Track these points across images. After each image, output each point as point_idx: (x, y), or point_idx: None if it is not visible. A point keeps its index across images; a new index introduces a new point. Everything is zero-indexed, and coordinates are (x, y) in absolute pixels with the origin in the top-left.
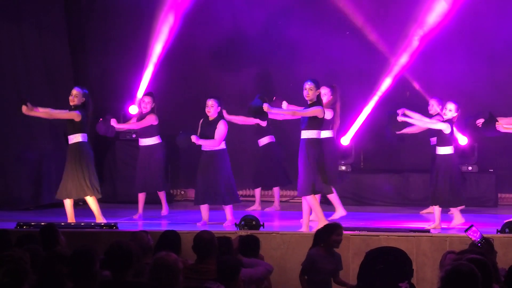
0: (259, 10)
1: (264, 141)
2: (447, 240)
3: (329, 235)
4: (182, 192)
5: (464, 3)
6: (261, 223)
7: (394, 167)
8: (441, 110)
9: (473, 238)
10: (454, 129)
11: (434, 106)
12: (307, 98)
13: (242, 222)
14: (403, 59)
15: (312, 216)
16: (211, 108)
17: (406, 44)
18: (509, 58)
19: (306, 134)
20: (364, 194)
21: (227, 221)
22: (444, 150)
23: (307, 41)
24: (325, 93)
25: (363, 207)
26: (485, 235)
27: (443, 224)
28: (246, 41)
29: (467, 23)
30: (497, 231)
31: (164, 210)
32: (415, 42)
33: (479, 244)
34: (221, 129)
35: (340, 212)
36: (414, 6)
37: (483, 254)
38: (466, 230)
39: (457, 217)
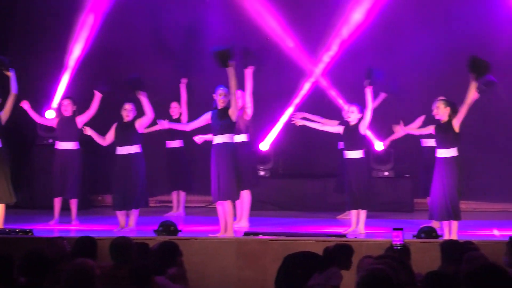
0: (180, 13)
1: (173, 144)
2: (363, 245)
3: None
4: (100, 198)
5: (382, 9)
6: (179, 229)
7: (312, 172)
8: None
9: (394, 241)
10: (370, 133)
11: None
12: (222, 104)
13: (161, 228)
14: (322, 64)
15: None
16: (130, 112)
17: (324, 50)
18: (431, 60)
19: (220, 138)
20: (283, 199)
21: (130, 228)
22: (354, 154)
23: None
24: (240, 96)
25: (282, 212)
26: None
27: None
28: (166, 44)
29: (384, 29)
30: (413, 236)
31: (74, 218)
32: (333, 48)
33: (395, 248)
34: (143, 121)
35: (244, 223)
36: (334, 13)
37: (399, 258)
38: (394, 229)
39: (361, 223)
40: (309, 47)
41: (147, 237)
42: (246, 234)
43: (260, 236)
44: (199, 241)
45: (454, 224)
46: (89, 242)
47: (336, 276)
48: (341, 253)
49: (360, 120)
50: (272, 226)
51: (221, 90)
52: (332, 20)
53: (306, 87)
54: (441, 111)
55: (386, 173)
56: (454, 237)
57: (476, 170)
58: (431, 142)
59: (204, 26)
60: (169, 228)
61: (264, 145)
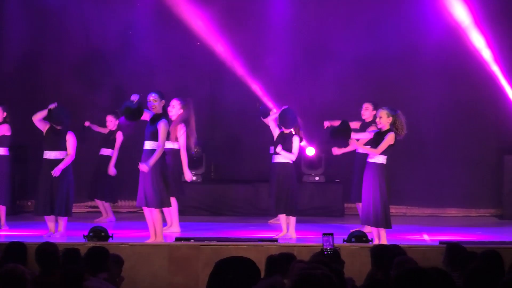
0: (113, 24)
1: (105, 152)
2: (294, 250)
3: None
4: (29, 203)
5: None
6: (110, 234)
7: (244, 177)
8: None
9: (325, 246)
10: (297, 139)
11: None
12: (153, 111)
13: (91, 234)
14: (253, 70)
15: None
16: None
17: (255, 56)
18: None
19: (150, 145)
20: (215, 204)
21: (60, 233)
22: (282, 158)
23: (161, 54)
24: (174, 105)
25: (214, 217)
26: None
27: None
28: (100, 56)
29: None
30: (344, 241)
31: (3, 224)
32: (264, 54)
33: (325, 253)
34: (71, 141)
35: (175, 228)
36: (263, 19)
37: (328, 263)
38: (324, 234)
39: (292, 228)
40: (242, 53)
41: (77, 242)
42: (178, 239)
43: (192, 241)
44: (130, 247)
45: (383, 230)
46: (19, 247)
47: (279, 284)
48: (285, 261)
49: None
50: (203, 231)
51: (151, 97)
52: (262, 28)
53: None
54: (383, 120)
55: (317, 178)
56: (383, 242)
57: (405, 176)
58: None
59: (136, 32)
60: (99, 233)
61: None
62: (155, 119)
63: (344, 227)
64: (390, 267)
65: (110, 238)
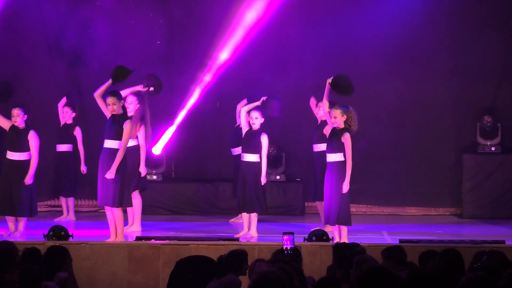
0: (70, 20)
1: (62, 148)
2: (255, 248)
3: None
4: None
5: (273, 13)
6: (70, 234)
7: (204, 176)
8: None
9: (285, 245)
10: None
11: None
12: (113, 112)
13: (51, 233)
14: (213, 69)
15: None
16: (17, 117)
17: (215, 54)
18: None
19: (112, 143)
20: (175, 203)
21: (20, 232)
22: (252, 158)
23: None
24: (132, 101)
25: (174, 216)
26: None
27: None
28: (56, 45)
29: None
30: (304, 239)
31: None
32: (225, 52)
33: (285, 252)
34: (34, 141)
35: (136, 227)
36: (224, 19)
37: (289, 262)
38: (284, 233)
39: (253, 227)
40: (202, 50)
41: (37, 241)
42: (138, 238)
43: (152, 241)
44: (90, 246)
45: (344, 228)
46: None
47: (235, 283)
48: (235, 259)
49: (261, 125)
50: (164, 230)
51: (110, 99)
52: (221, 27)
53: (197, 92)
54: (338, 120)
55: (277, 177)
56: (344, 239)
57: (365, 174)
58: (322, 147)
59: (91, 27)
60: (59, 232)
61: (157, 149)
62: (118, 118)
63: (304, 226)
64: (350, 265)
65: (70, 237)
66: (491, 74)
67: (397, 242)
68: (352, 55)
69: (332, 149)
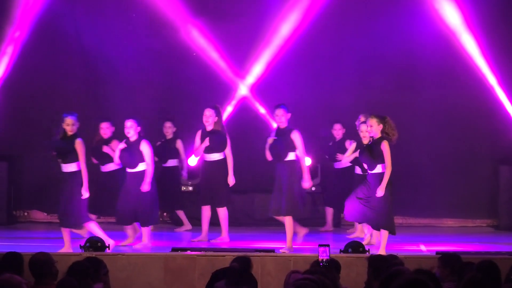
0: (103, 28)
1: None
2: (291, 260)
3: None
4: (26, 214)
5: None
6: (107, 245)
7: (239, 187)
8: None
9: (321, 257)
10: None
11: None
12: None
13: (87, 244)
14: (247, 81)
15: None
16: (130, 129)
17: (250, 64)
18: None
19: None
20: (212, 214)
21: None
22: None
23: (155, 67)
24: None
25: (210, 227)
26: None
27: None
28: (95, 61)
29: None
30: (340, 251)
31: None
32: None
33: (321, 264)
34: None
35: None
36: (261, 27)
37: (325, 273)
38: (320, 245)
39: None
40: (236, 61)
41: (74, 253)
42: (174, 249)
43: (188, 252)
44: (126, 257)
45: (386, 232)
46: (14, 258)
47: None
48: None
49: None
50: (200, 241)
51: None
52: (259, 34)
53: (233, 102)
54: (374, 128)
55: (313, 188)
56: (382, 251)
57: (401, 186)
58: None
59: (131, 44)
60: (96, 244)
61: (193, 161)
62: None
63: (340, 237)
64: (387, 277)
65: (107, 248)
66: None
67: (433, 254)
68: (388, 65)
69: (370, 163)
